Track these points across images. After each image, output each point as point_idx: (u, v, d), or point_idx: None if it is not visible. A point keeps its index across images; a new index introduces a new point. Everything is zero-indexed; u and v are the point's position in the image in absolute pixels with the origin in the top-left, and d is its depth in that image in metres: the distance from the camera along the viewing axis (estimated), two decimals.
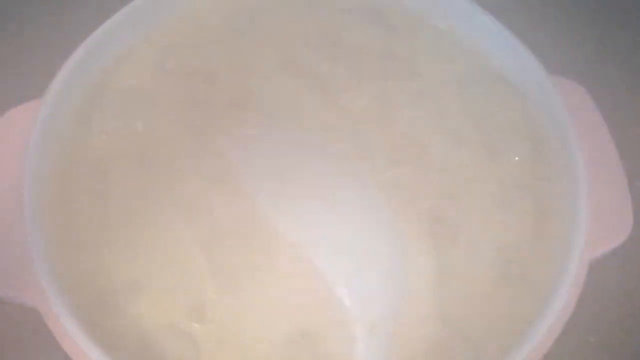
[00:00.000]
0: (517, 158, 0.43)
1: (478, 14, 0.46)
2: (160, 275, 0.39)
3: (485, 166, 0.43)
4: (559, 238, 0.39)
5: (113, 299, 0.38)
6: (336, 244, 0.40)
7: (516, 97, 0.45)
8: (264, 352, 0.37)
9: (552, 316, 0.36)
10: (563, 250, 0.38)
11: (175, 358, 0.37)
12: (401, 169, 0.42)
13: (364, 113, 0.44)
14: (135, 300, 0.38)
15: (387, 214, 0.41)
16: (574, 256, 0.37)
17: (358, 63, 0.46)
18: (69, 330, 0.34)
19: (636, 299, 0.47)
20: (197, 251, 0.39)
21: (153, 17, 0.47)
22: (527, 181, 0.42)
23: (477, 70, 0.46)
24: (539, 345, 0.35)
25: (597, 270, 0.38)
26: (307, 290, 0.39)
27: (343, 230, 0.40)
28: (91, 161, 0.42)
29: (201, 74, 0.45)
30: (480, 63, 0.47)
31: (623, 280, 0.46)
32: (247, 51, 0.46)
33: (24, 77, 0.50)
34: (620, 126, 0.44)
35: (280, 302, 0.38)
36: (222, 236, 0.39)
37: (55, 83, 0.42)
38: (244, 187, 0.41)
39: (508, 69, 0.46)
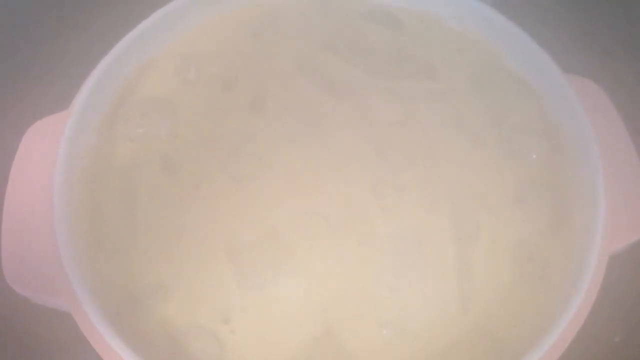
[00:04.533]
0: (534, 156, 0.43)
1: (492, 15, 0.47)
2: (187, 277, 0.40)
3: (503, 165, 0.43)
4: (578, 233, 0.40)
5: (142, 301, 0.39)
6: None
7: (532, 96, 0.45)
8: (289, 352, 0.38)
9: (573, 311, 0.36)
10: (583, 245, 0.39)
11: (203, 358, 0.38)
12: (419, 168, 0.43)
13: (382, 114, 0.45)
14: (163, 302, 0.39)
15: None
16: (594, 250, 0.38)
17: (375, 65, 0.47)
18: (101, 332, 0.35)
19: None
20: (223, 253, 0.40)
21: (173, 28, 0.48)
22: (545, 178, 0.43)
23: (492, 70, 0.47)
24: (559, 341, 0.36)
25: (616, 265, 0.39)
26: (331, 290, 0.39)
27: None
28: (118, 168, 0.43)
29: (221, 81, 0.47)
30: (496, 63, 0.47)
31: None
32: (265, 57, 0.47)
33: (50, 89, 0.51)
34: (637, 124, 0.44)
35: (305, 302, 0.39)
36: (247, 237, 0.40)
37: (81, 94, 0.43)
38: (266, 190, 0.42)
39: (523, 68, 0.46)
